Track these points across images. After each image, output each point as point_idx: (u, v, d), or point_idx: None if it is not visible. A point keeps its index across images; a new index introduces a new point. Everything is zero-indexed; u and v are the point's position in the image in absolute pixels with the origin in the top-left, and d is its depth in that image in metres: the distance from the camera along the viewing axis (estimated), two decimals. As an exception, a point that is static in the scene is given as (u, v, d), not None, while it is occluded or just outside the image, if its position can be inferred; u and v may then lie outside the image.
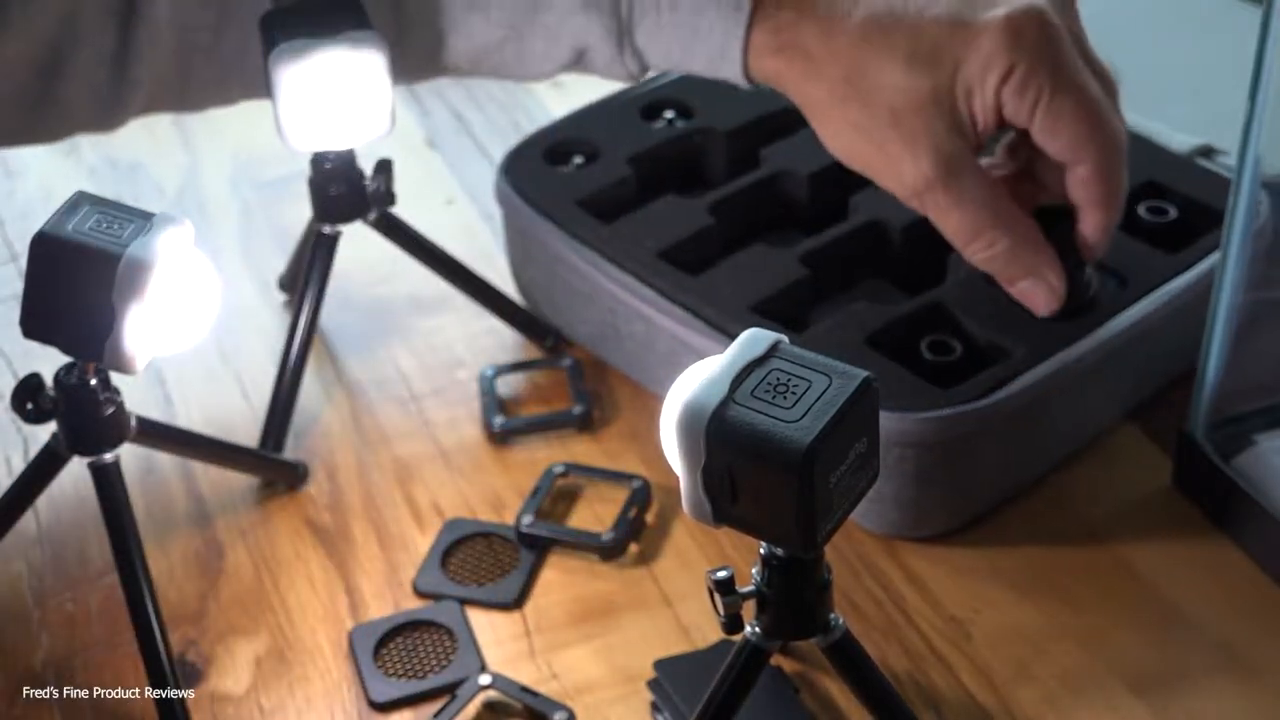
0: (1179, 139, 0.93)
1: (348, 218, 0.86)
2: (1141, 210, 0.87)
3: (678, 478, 0.54)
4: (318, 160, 0.84)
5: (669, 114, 0.96)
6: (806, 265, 0.84)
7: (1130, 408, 0.84)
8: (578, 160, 0.92)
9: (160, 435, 0.76)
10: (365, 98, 0.79)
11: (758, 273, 0.83)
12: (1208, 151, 0.92)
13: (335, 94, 0.78)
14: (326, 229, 0.86)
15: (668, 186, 0.91)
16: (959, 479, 0.77)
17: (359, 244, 0.89)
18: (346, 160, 0.84)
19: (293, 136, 0.80)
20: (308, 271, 0.86)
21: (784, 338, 0.54)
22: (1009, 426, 0.76)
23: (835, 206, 0.88)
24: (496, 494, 0.83)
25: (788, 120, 0.95)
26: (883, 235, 0.87)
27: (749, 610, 0.59)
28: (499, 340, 0.92)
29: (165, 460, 0.84)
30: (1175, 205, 0.87)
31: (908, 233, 0.86)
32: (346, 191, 0.85)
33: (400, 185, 0.88)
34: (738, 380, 0.53)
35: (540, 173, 0.91)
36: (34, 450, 0.74)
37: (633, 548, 0.79)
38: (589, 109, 0.97)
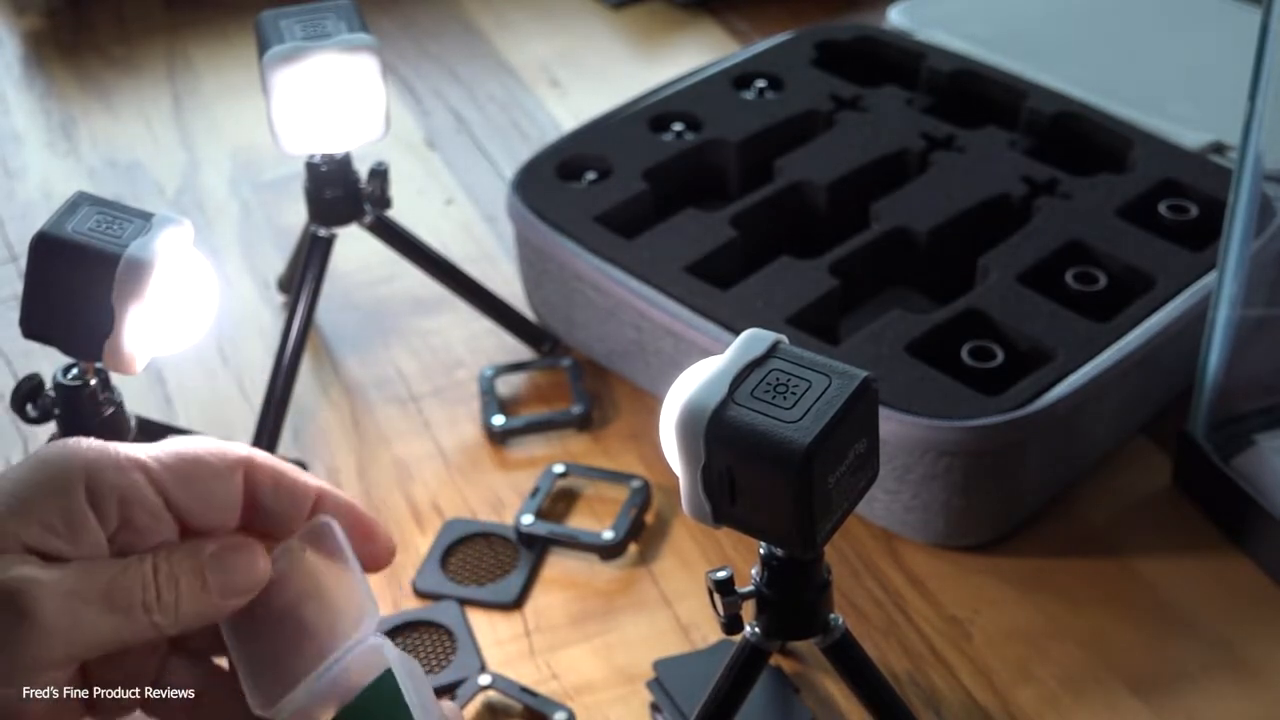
0: (1189, 136, 0.93)
1: (343, 221, 0.86)
2: (1163, 209, 0.87)
3: (678, 478, 0.54)
4: (312, 163, 0.84)
5: (677, 126, 0.96)
6: (835, 275, 0.83)
7: (1162, 406, 0.83)
8: (590, 176, 0.92)
9: (160, 435, 0.76)
10: (359, 101, 0.79)
11: (789, 285, 0.83)
12: (1219, 148, 0.92)
13: (329, 98, 0.78)
14: (322, 232, 0.86)
15: (683, 200, 0.90)
16: (1008, 486, 0.77)
17: (359, 244, 0.89)
18: (342, 164, 0.84)
19: (287, 140, 0.79)
20: (303, 273, 0.86)
21: (783, 338, 0.54)
22: (1057, 430, 0.76)
23: (855, 215, 0.88)
24: (496, 494, 0.83)
25: (796, 130, 0.96)
26: (908, 242, 0.87)
27: (749, 610, 0.59)
28: (499, 340, 0.92)
29: (165, 460, 0.84)
30: (1196, 203, 0.87)
31: (933, 237, 0.86)
32: (342, 195, 0.85)
33: (400, 185, 0.88)
34: (737, 380, 0.53)
35: (554, 190, 0.90)
36: (33, 450, 0.74)
37: (633, 548, 0.79)
38: (595, 123, 0.96)
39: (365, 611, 0.49)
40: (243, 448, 0.50)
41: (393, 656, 0.49)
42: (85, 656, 0.47)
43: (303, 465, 0.84)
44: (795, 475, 0.50)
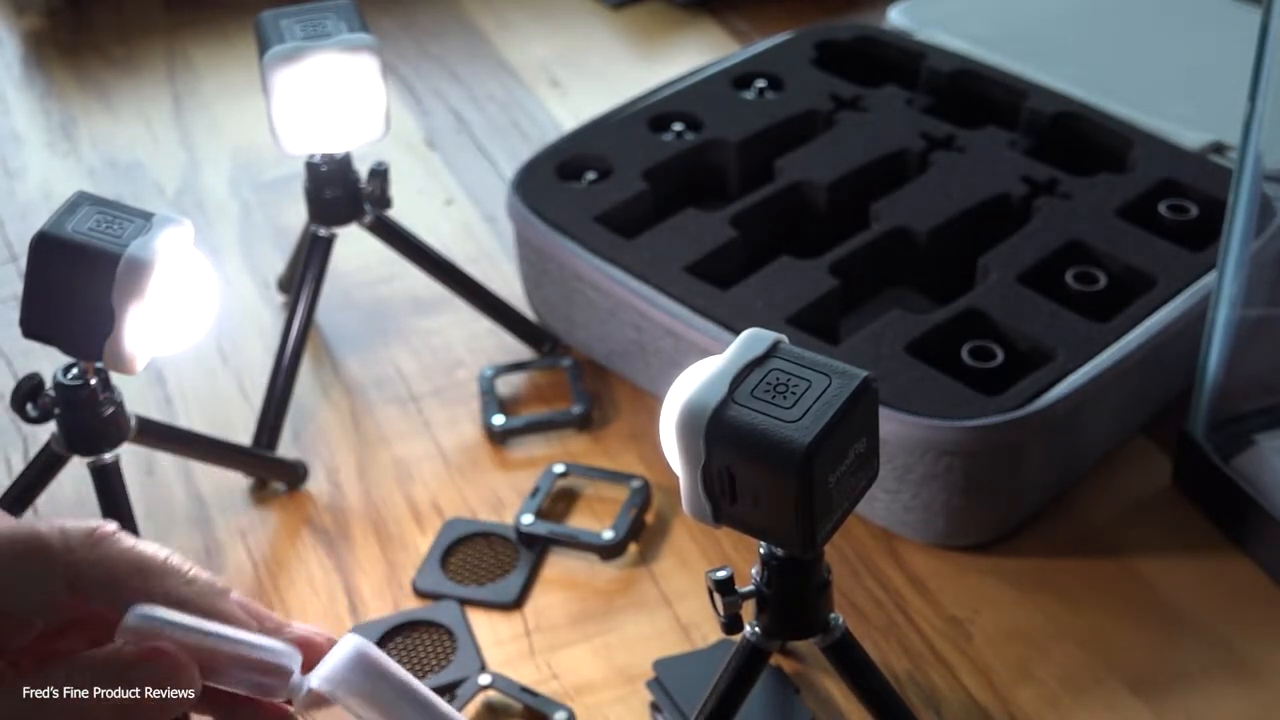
0: (1190, 136, 0.92)
1: (343, 221, 0.86)
2: (1163, 209, 0.87)
3: (678, 478, 0.54)
4: (312, 163, 0.84)
5: (678, 126, 0.96)
6: (835, 275, 0.83)
7: (1162, 406, 0.83)
8: (590, 176, 0.92)
9: (160, 435, 0.76)
10: (359, 101, 0.79)
11: (789, 285, 0.83)
12: (1219, 148, 0.92)
13: (329, 97, 0.78)
14: (322, 231, 0.86)
15: (683, 200, 0.90)
16: (1009, 485, 0.77)
17: (359, 244, 0.89)
18: (342, 164, 0.84)
19: (287, 140, 0.79)
20: (303, 272, 0.86)
21: (783, 338, 0.54)
22: (1057, 430, 0.76)
23: (855, 215, 0.88)
24: (496, 494, 0.83)
25: (797, 130, 0.96)
26: (908, 241, 0.87)
27: (749, 610, 0.59)
28: (499, 340, 0.92)
29: (165, 460, 0.84)
30: (1196, 203, 0.87)
31: (933, 237, 0.86)
32: (342, 195, 0.85)
33: (400, 185, 0.88)
34: (737, 380, 0.53)
35: (554, 190, 0.90)
36: (34, 450, 0.74)
37: (633, 548, 0.79)
38: (595, 123, 0.96)
39: (278, 657, 0.47)
40: (75, 538, 0.46)
41: (330, 689, 0.47)
42: None
43: (303, 466, 0.84)
44: (795, 475, 0.51)
